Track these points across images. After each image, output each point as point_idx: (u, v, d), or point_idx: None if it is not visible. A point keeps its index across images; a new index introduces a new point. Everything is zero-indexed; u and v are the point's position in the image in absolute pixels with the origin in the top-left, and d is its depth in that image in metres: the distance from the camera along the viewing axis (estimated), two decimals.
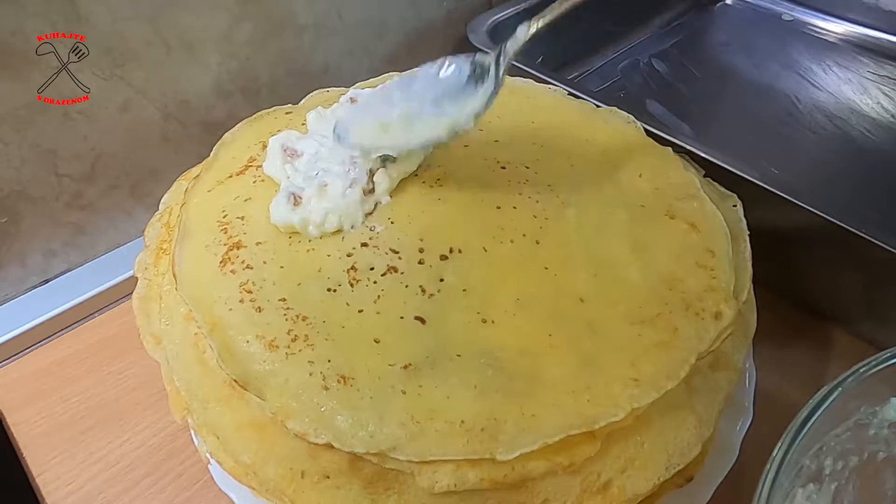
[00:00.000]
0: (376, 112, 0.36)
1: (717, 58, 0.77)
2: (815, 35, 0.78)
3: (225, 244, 0.36)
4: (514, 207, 0.37)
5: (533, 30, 0.34)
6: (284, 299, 0.33)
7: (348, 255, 0.35)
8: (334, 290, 0.33)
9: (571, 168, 0.40)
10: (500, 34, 0.60)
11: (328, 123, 0.42)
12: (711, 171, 0.43)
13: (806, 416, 0.27)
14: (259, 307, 0.33)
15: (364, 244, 0.35)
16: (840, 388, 0.28)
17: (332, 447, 0.29)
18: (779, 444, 0.27)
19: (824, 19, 0.78)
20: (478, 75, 0.35)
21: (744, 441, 0.36)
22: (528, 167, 0.40)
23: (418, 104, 0.35)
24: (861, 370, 0.29)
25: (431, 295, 0.33)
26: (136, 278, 0.39)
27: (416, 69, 0.38)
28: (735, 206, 0.40)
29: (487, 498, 0.29)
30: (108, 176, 0.52)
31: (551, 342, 0.32)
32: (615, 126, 0.45)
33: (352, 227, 0.36)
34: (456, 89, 0.35)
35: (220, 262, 0.35)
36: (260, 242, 0.36)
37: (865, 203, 0.55)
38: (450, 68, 0.36)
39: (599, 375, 0.30)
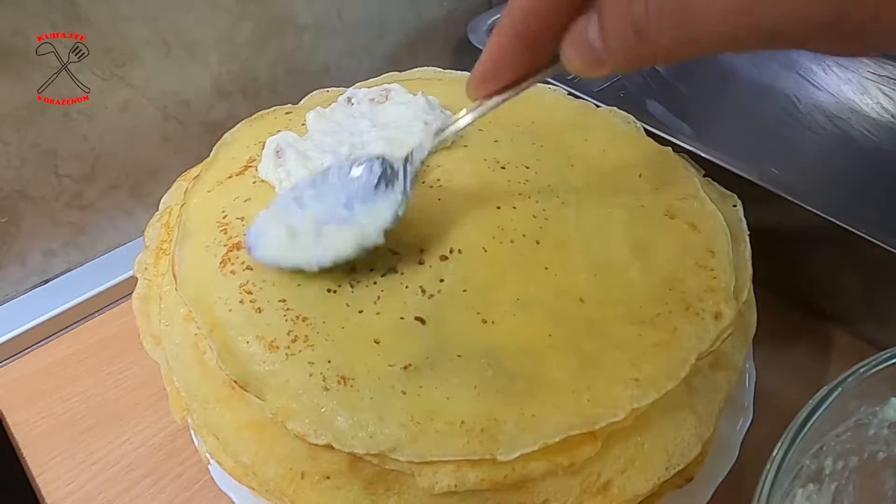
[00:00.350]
0: (286, 214, 0.33)
1: (717, 58, 0.77)
2: None
3: (225, 245, 0.36)
4: (514, 207, 0.37)
5: (437, 141, 0.32)
6: (284, 300, 0.33)
7: None
8: (334, 291, 0.33)
9: (571, 168, 0.40)
10: None
11: (327, 124, 0.42)
12: (711, 171, 0.43)
13: (806, 416, 0.27)
14: (259, 308, 0.33)
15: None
16: (840, 388, 0.28)
17: (332, 448, 0.29)
18: (779, 444, 0.27)
19: None
20: (388, 177, 0.32)
21: (744, 441, 0.36)
22: (528, 167, 0.39)
23: (330, 207, 0.32)
24: (861, 370, 0.29)
25: (431, 295, 0.33)
26: (136, 278, 0.39)
27: (328, 166, 0.35)
28: (735, 206, 0.40)
29: (487, 498, 0.29)
30: (108, 176, 0.52)
31: (551, 342, 0.32)
32: (615, 126, 0.45)
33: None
34: (366, 191, 0.32)
35: (220, 263, 0.35)
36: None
37: (865, 203, 0.55)
38: (360, 167, 0.33)
39: (599, 375, 0.30)
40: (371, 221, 0.32)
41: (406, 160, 0.33)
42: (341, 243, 0.32)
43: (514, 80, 0.28)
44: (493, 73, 0.28)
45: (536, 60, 0.27)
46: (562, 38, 0.24)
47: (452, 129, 0.32)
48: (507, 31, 0.26)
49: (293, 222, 0.33)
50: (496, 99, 0.29)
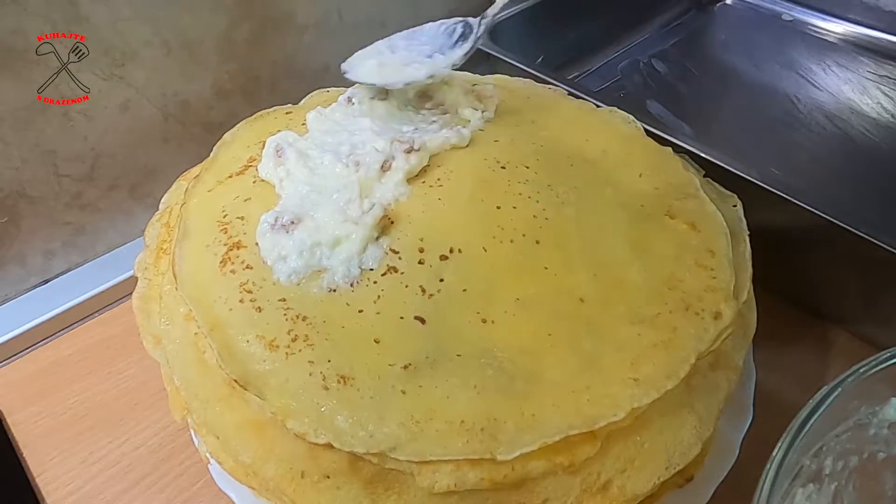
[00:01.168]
0: (380, 56, 0.44)
1: (717, 58, 0.77)
2: (815, 35, 0.77)
3: (225, 244, 0.36)
4: (514, 207, 0.37)
5: None
6: (284, 299, 0.33)
7: None
8: (334, 290, 0.33)
9: (571, 168, 0.40)
10: (499, 34, 0.60)
11: (327, 124, 0.42)
12: (711, 171, 0.43)
13: (806, 416, 0.27)
14: (259, 307, 0.33)
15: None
16: (840, 388, 0.28)
17: (332, 447, 0.29)
18: (779, 444, 0.27)
19: (824, 19, 0.78)
20: (465, 34, 0.43)
21: (744, 441, 0.36)
22: (528, 167, 0.39)
23: (415, 55, 0.43)
24: (861, 370, 0.29)
25: (431, 295, 0.33)
26: (136, 278, 0.39)
27: (421, 26, 0.45)
28: (735, 206, 0.40)
29: (487, 498, 0.29)
30: (108, 176, 0.52)
31: (551, 342, 0.32)
32: (615, 126, 0.45)
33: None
34: (447, 46, 0.43)
35: (220, 262, 0.35)
36: (260, 242, 0.36)
37: (865, 203, 0.55)
38: (444, 27, 0.44)
39: (599, 375, 0.30)
40: (443, 62, 0.43)
41: (481, 17, 0.43)
42: (417, 72, 0.42)
43: None
44: None
45: None
46: None
47: None
48: None
49: (384, 60, 0.43)
50: None
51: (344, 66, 0.44)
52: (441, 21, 0.45)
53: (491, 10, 0.43)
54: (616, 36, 0.78)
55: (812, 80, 0.71)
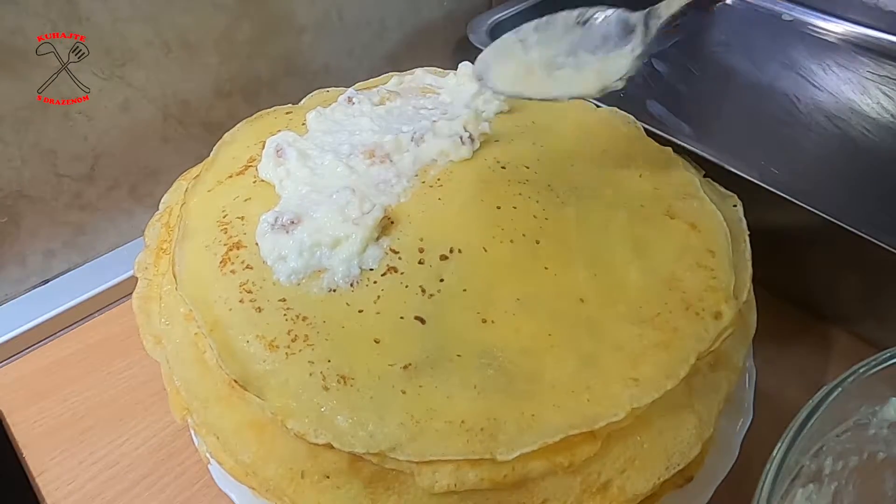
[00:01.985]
0: (513, 53, 0.35)
1: (717, 58, 0.77)
2: (815, 35, 0.77)
3: (225, 244, 0.36)
4: (514, 207, 0.37)
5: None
6: (284, 299, 0.33)
7: None
8: (334, 290, 0.34)
9: (571, 168, 0.40)
10: (499, 34, 0.60)
11: (327, 124, 0.42)
12: (711, 171, 0.43)
13: (806, 416, 0.27)
14: (259, 307, 0.33)
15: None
16: (840, 388, 0.28)
17: (331, 447, 0.29)
18: (779, 444, 0.27)
19: (824, 19, 0.78)
20: (620, 33, 0.33)
21: (744, 441, 0.36)
22: (528, 167, 0.39)
23: (555, 52, 0.33)
24: (861, 370, 0.29)
25: (431, 295, 0.33)
26: (136, 278, 0.39)
27: (555, 14, 0.35)
28: (735, 206, 0.40)
29: (487, 498, 0.29)
30: (108, 176, 0.52)
31: (551, 342, 0.32)
32: (615, 126, 0.45)
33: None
34: (594, 43, 0.33)
35: (220, 262, 0.35)
36: (260, 243, 0.36)
37: (865, 203, 0.55)
38: (593, 18, 0.33)
39: (599, 375, 0.30)
40: (607, 68, 0.33)
41: (648, 14, 0.33)
42: (582, 86, 0.33)
43: None
44: None
45: None
46: None
47: None
48: None
49: (525, 60, 0.34)
50: None
51: (477, 70, 0.36)
52: (578, 10, 0.34)
53: (665, 9, 0.32)
54: None
55: (812, 80, 0.71)
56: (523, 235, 0.36)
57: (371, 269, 0.34)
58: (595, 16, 0.33)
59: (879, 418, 0.31)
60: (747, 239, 0.38)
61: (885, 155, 0.62)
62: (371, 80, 0.50)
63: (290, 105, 0.48)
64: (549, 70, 0.33)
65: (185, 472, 0.41)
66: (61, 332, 0.51)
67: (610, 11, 0.33)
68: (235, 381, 0.30)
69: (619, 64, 0.33)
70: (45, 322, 0.50)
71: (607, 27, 0.33)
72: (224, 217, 0.37)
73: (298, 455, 0.30)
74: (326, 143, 0.40)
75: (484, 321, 0.32)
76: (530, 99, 0.35)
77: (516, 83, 0.34)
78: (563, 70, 0.33)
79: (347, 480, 0.30)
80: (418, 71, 0.50)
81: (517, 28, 0.36)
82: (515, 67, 0.34)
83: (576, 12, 0.34)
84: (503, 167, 0.39)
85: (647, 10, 0.33)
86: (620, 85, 0.33)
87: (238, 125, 0.45)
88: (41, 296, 0.52)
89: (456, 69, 0.49)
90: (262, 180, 0.39)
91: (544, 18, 0.35)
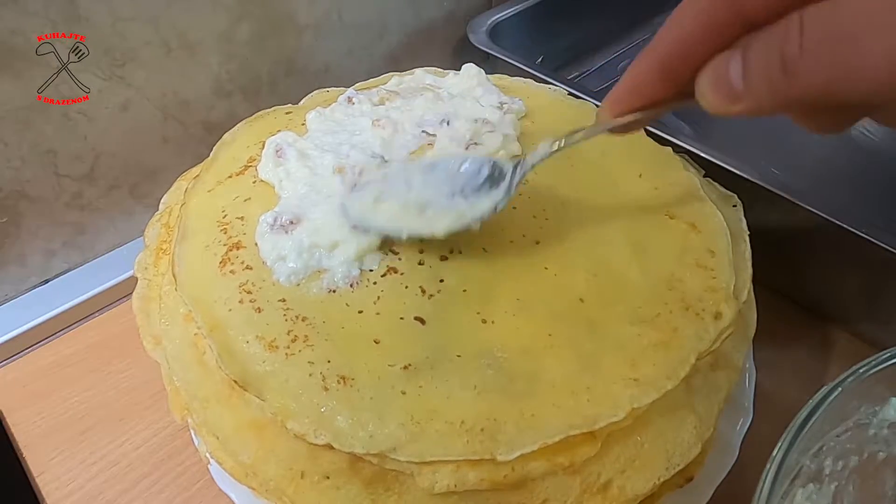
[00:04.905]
0: (392, 190, 0.36)
1: None
2: None
3: (225, 244, 0.36)
4: (514, 207, 0.37)
5: (555, 147, 0.33)
6: (284, 300, 0.33)
7: None
8: (334, 291, 0.34)
9: (571, 168, 0.40)
10: (499, 34, 0.60)
11: (327, 124, 0.42)
12: (711, 171, 0.43)
13: (806, 416, 0.27)
14: (259, 307, 0.33)
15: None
16: (840, 388, 0.28)
17: (331, 448, 0.29)
18: (779, 444, 0.27)
19: None
20: (494, 179, 0.34)
21: (744, 441, 0.36)
22: None
23: (434, 194, 0.35)
24: (861, 370, 0.29)
25: (431, 295, 0.33)
26: (136, 278, 0.39)
27: (436, 159, 0.38)
28: (735, 206, 0.40)
29: (487, 498, 0.29)
30: (108, 176, 0.52)
31: (551, 342, 0.32)
32: None
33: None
34: (471, 188, 0.34)
35: (220, 263, 0.35)
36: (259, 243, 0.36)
37: (865, 203, 0.55)
38: (470, 165, 0.35)
39: (599, 375, 0.30)
40: (470, 211, 0.34)
41: (517, 164, 0.34)
42: (437, 224, 0.34)
43: (646, 105, 0.28)
44: (627, 95, 0.28)
45: (672, 90, 0.26)
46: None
47: (572, 140, 0.32)
48: (650, 57, 0.26)
49: (408, 199, 0.35)
50: (623, 119, 0.29)
51: (348, 209, 0.35)
52: (463, 157, 0.37)
53: (531, 158, 0.33)
54: (616, 36, 0.78)
55: None
56: (523, 235, 0.36)
57: (371, 270, 0.34)
58: (471, 164, 0.35)
59: (879, 418, 0.31)
60: (747, 239, 0.38)
61: (885, 155, 0.62)
62: (371, 80, 0.50)
63: (290, 105, 0.48)
64: (421, 208, 0.34)
65: (185, 472, 0.41)
66: (61, 332, 0.51)
67: (485, 160, 0.35)
68: (235, 382, 0.30)
69: (480, 209, 0.34)
70: (45, 322, 0.50)
71: (479, 174, 0.35)
72: (224, 217, 0.37)
73: (298, 455, 0.30)
74: (326, 143, 0.40)
75: (484, 321, 0.32)
76: (390, 233, 0.35)
77: (391, 219, 0.35)
78: (431, 210, 0.34)
79: (347, 481, 0.30)
80: (418, 71, 0.50)
81: (404, 166, 0.38)
82: (392, 206, 0.35)
83: (457, 160, 0.36)
84: None
85: (517, 161, 0.34)
86: (476, 227, 0.34)
87: (238, 125, 0.45)
88: (41, 296, 0.52)
89: (455, 69, 0.49)
90: (262, 180, 0.39)
91: (427, 162, 0.38)
